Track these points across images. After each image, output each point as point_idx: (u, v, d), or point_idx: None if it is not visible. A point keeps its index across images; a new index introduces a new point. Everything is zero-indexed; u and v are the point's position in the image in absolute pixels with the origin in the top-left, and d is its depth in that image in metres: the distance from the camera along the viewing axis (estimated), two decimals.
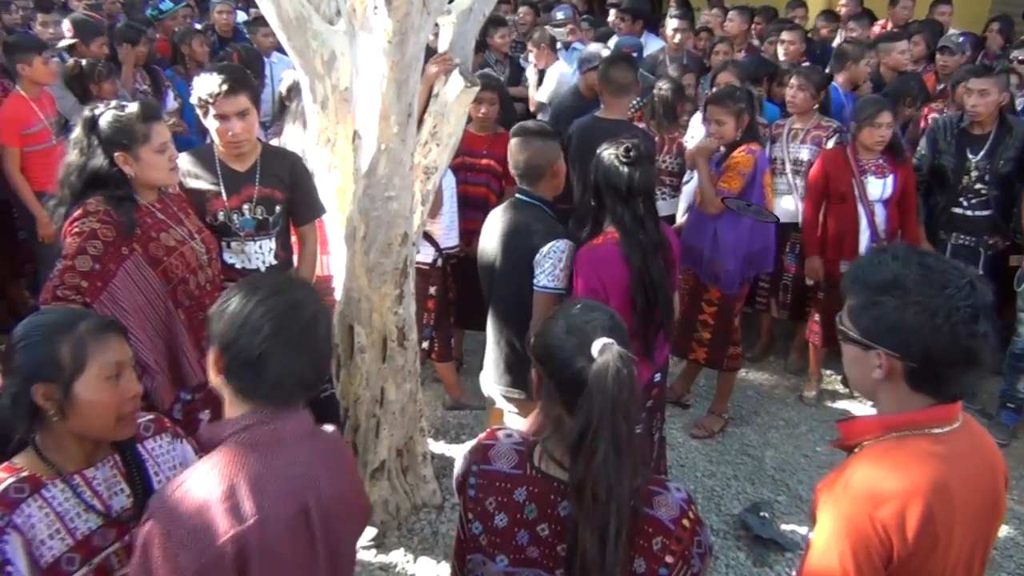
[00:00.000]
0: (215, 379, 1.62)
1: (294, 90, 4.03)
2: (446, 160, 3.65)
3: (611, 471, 1.49)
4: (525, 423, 2.10)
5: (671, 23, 6.32)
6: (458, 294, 4.52)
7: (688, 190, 4.64)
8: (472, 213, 4.37)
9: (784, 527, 3.72)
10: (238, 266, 3.17)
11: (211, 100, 3.00)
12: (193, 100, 3.08)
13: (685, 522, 1.59)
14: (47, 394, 1.66)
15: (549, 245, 2.95)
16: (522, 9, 7.76)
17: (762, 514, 3.72)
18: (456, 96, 3.48)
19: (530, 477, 1.63)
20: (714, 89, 4.74)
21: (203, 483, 1.51)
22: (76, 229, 2.56)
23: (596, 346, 1.54)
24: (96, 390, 1.68)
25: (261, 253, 3.18)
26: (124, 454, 1.80)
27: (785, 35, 6.00)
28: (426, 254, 4.20)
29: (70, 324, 1.71)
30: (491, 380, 3.26)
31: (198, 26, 7.15)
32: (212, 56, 6.24)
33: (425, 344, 4.29)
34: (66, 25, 5.54)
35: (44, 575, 1.62)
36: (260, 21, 6.66)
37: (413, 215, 3.41)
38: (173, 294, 2.75)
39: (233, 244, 3.16)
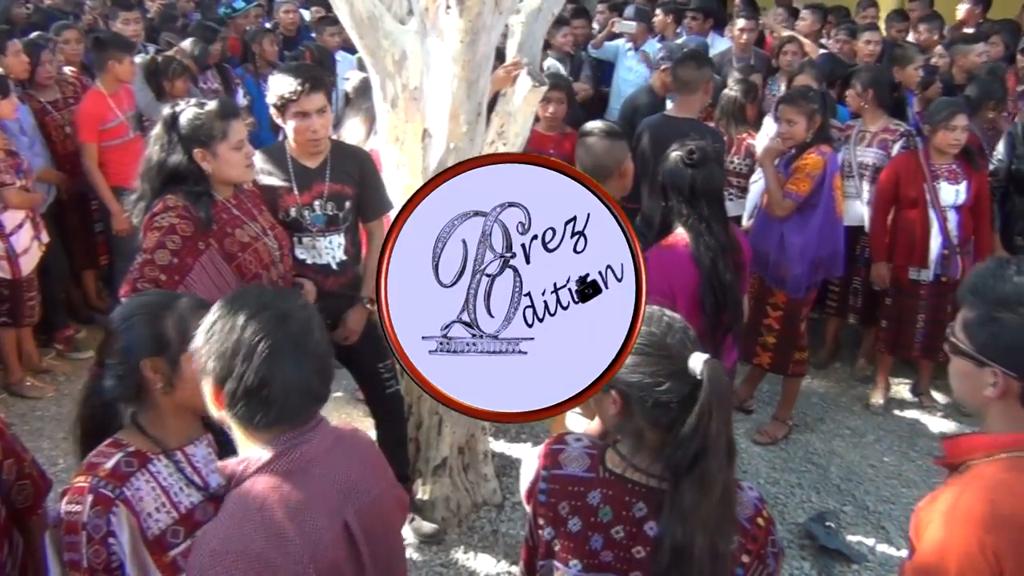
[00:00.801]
0: (217, 414, 1.54)
1: (360, 88, 4.08)
2: None
3: (729, 484, 1.47)
4: (590, 426, 2.09)
5: (738, 23, 6.25)
6: None
7: (755, 191, 4.57)
8: None
9: (850, 538, 3.63)
10: (309, 261, 3.22)
11: (293, 98, 3.04)
12: (271, 100, 3.13)
13: (760, 521, 1.58)
14: (156, 367, 1.73)
15: None
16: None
17: (828, 524, 3.64)
18: (524, 96, 3.48)
19: (604, 480, 1.61)
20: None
21: (244, 525, 1.42)
22: (156, 224, 2.62)
23: (696, 364, 1.50)
24: None
25: (331, 248, 3.23)
26: (215, 434, 1.84)
27: (867, 35, 5.89)
28: None
29: (169, 303, 1.80)
30: None
31: (268, 25, 7.29)
32: (281, 55, 6.35)
33: None
34: (188, 43, 5.67)
35: (151, 547, 1.67)
36: (326, 20, 6.77)
37: None
38: None
39: (304, 240, 3.21)
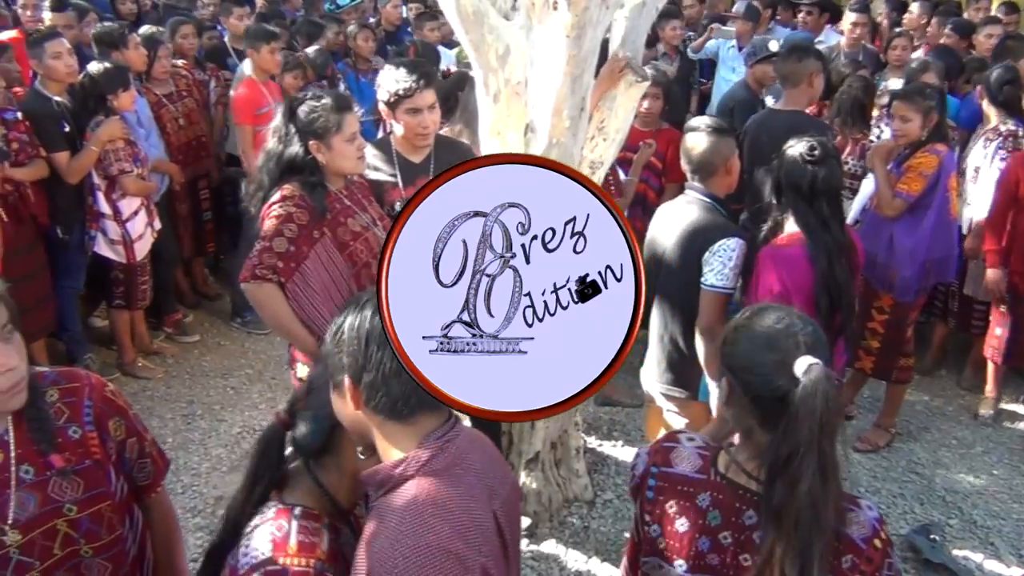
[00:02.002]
0: (354, 415, 1.48)
1: (467, 83, 4.11)
2: (612, 155, 3.62)
3: (817, 498, 1.43)
4: (706, 426, 2.06)
5: (849, 16, 6.06)
6: None
7: (864, 192, 4.41)
8: (630, 209, 4.34)
9: (956, 553, 3.49)
10: None
11: (408, 95, 3.08)
12: (382, 96, 3.16)
13: (877, 542, 1.52)
14: None
15: (719, 243, 2.88)
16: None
17: (932, 537, 3.51)
18: (625, 91, 3.45)
19: (714, 483, 1.59)
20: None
21: (431, 522, 1.38)
22: (274, 212, 2.70)
23: (800, 366, 1.47)
24: None
25: None
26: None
27: (988, 28, 5.66)
28: None
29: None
30: (652, 378, 3.22)
31: (371, 20, 7.44)
32: (380, 51, 6.46)
33: None
34: (312, 50, 5.86)
35: None
36: (425, 16, 6.86)
37: None
38: (357, 277, 2.84)
39: None
